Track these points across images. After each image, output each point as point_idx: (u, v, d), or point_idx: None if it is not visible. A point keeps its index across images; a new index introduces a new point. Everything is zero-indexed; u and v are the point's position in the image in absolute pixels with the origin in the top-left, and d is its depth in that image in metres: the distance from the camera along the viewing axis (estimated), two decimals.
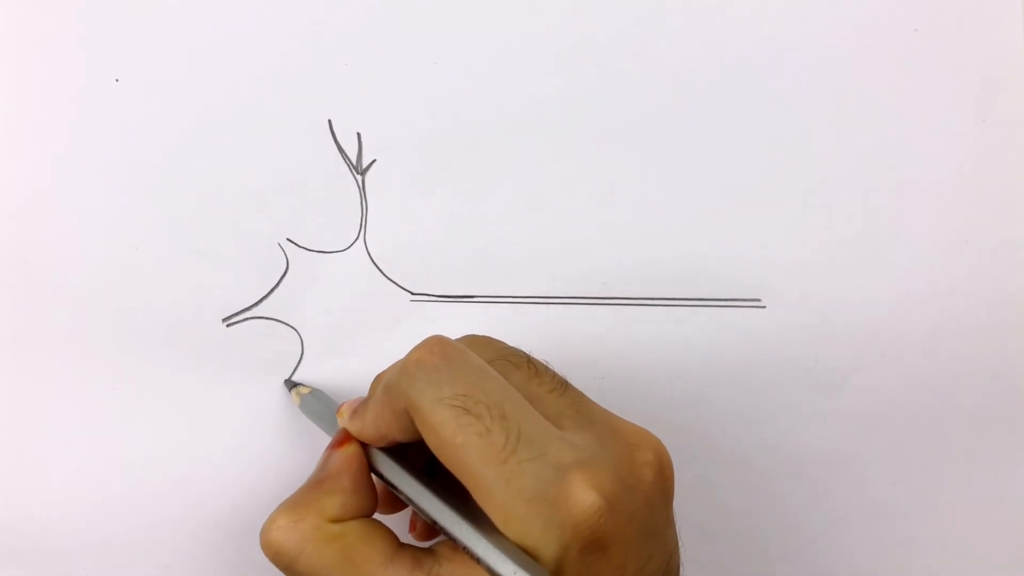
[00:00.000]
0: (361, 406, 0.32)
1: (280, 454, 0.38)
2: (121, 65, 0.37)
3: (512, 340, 0.39)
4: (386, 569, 0.29)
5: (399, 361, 0.30)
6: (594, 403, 0.31)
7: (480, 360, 0.29)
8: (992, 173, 0.41)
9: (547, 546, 0.26)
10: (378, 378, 0.35)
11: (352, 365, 0.39)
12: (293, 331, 0.38)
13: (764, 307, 0.41)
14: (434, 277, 0.39)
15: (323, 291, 0.39)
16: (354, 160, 0.39)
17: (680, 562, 0.30)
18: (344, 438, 0.32)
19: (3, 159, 0.37)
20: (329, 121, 0.38)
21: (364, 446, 0.32)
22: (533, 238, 0.40)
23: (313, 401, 0.36)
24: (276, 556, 0.29)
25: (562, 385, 0.31)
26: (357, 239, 0.39)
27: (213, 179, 0.38)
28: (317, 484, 0.31)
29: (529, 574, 0.26)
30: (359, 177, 0.39)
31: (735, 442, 0.41)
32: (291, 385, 0.38)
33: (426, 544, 0.32)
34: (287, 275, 0.38)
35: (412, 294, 0.39)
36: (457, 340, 0.32)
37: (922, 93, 0.41)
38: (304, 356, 0.38)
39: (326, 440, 0.36)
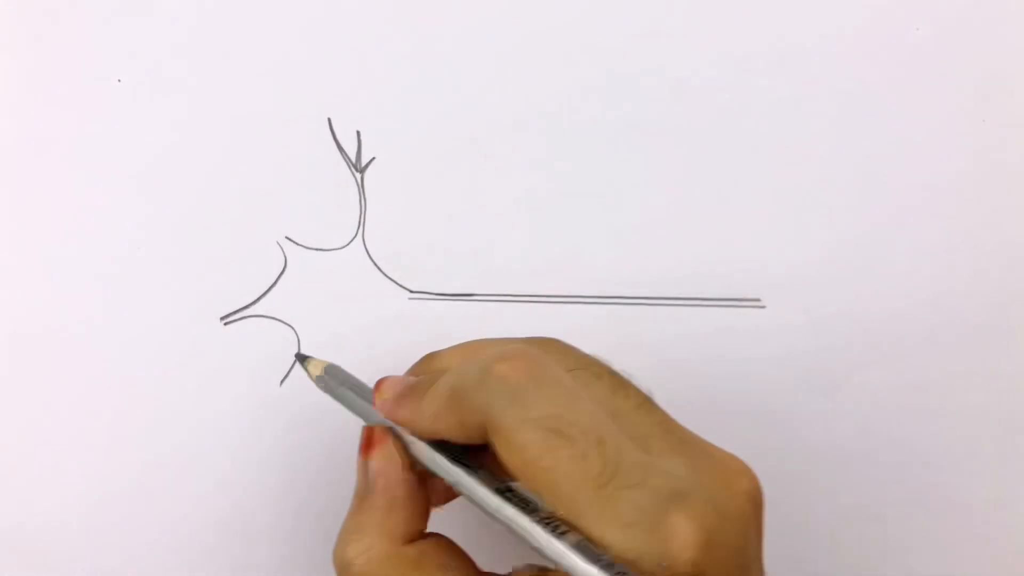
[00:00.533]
0: (411, 393, 0.29)
1: (279, 452, 0.38)
2: (123, 66, 0.38)
3: None
4: None
5: (472, 365, 0.28)
6: (677, 422, 0.29)
7: (569, 378, 0.27)
8: (992, 173, 0.41)
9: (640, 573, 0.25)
10: (428, 359, 0.33)
11: (350, 364, 0.39)
12: (291, 329, 0.38)
13: (764, 307, 0.41)
14: (432, 275, 0.39)
15: (321, 289, 0.39)
16: (353, 158, 0.39)
17: None
18: (374, 439, 0.30)
19: (4, 159, 0.37)
20: (329, 119, 0.39)
21: (402, 439, 0.30)
22: (533, 238, 0.40)
23: (332, 378, 0.34)
24: None
25: (648, 402, 0.28)
26: (355, 237, 0.39)
27: (213, 177, 0.38)
28: (368, 501, 0.29)
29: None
30: (358, 175, 0.39)
31: (735, 442, 0.41)
32: (303, 359, 0.35)
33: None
34: (285, 273, 0.38)
35: (410, 292, 0.39)
36: (530, 342, 0.30)
37: (922, 93, 0.41)
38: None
39: (328, 437, 0.36)
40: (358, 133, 0.39)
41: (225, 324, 0.38)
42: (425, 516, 0.29)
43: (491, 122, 0.40)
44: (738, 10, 0.41)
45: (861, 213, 0.41)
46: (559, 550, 0.25)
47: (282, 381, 0.38)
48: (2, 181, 0.37)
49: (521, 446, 0.25)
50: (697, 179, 0.40)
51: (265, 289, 0.38)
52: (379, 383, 0.31)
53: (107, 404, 0.38)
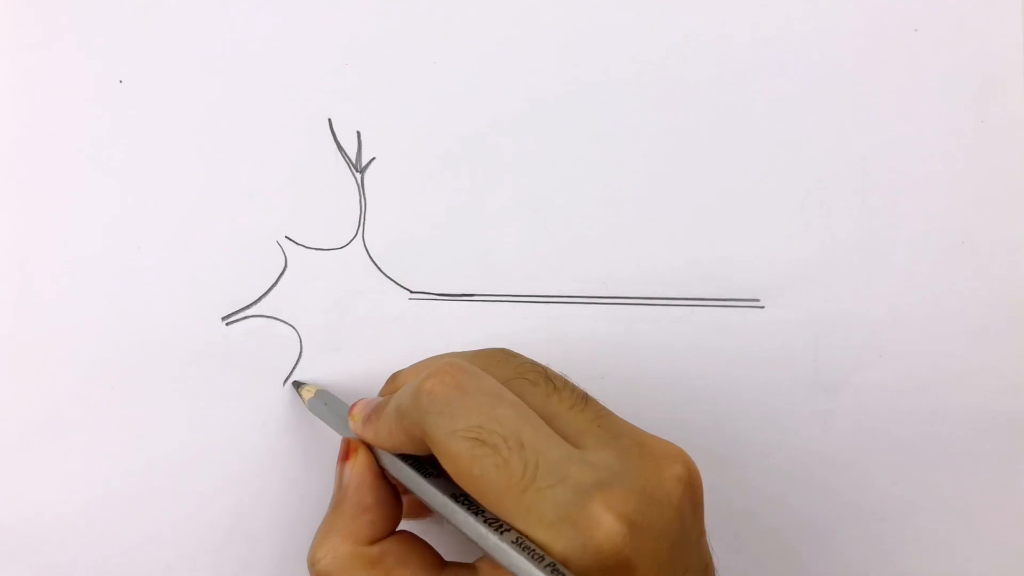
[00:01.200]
0: (374, 413, 0.32)
1: (280, 452, 0.38)
2: (124, 67, 0.38)
3: (511, 339, 0.39)
4: None
5: (409, 386, 0.30)
6: (616, 416, 0.30)
7: (495, 384, 0.29)
8: (991, 173, 0.41)
9: (570, 567, 0.26)
10: (393, 379, 0.35)
11: (351, 363, 0.39)
12: (292, 329, 0.39)
13: (763, 307, 0.41)
14: (433, 275, 0.39)
15: (322, 289, 0.39)
16: (353, 158, 0.39)
17: (716, 572, 0.30)
18: (350, 448, 0.32)
19: (5, 159, 0.37)
20: (329, 120, 0.39)
21: (374, 450, 0.32)
22: (533, 238, 0.40)
23: (320, 401, 0.37)
24: None
25: (582, 400, 0.30)
26: (356, 237, 0.39)
27: (213, 178, 0.38)
28: (339, 507, 0.31)
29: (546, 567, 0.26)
30: (358, 175, 0.39)
31: (734, 442, 0.41)
32: (297, 385, 0.38)
33: (441, 549, 0.32)
34: (286, 273, 0.39)
35: (411, 292, 0.39)
36: (474, 354, 0.32)
37: (922, 93, 0.41)
38: (303, 354, 0.39)
39: (329, 436, 0.36)
40: (358, 133, 0.39)
41: (227, 324, 0.38)
42: (393, 520, 0.31)
43: (491, 122, 0.40)
44: (738, 10, 0.41)
45: (861, 213, 0.41)
46: (499, 546, 0.27)
47: (284, 381, 0.38)
48: (3, 181, 0.37)
49: (452, 457, 0.27)
50: (697, 179, 0.40)
51: (266, 289, 0.38)
52: (352, 407, 0.33)
53: (108, 404, 0.38)
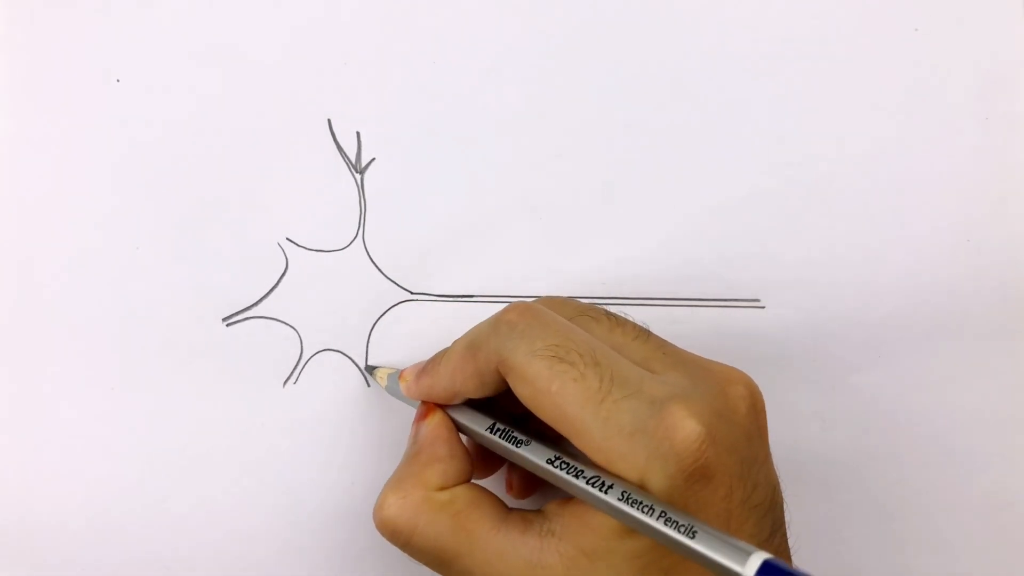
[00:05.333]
0: (429, 365, 0.33)
1: (280, 453, 0.38)
2: (122, 65, 0.38)
3: None
4: (498, 533, 0.30)
5: (483, 323, 0.31)
6: (678, 347, 0.32)
7: (564, 320, 0.30)
8: (993, 172, 0.41)
9: (654, 477, 0.27)
10: (457, 344, 0.35)
11: (351, 364, 0.39)
12: (292, 330, 0.39)
13: (764, 307, 0.41)
14: (433, 276, 0.39)
15: (322, 290, 0.39)
16: (353, 159, 0.39)
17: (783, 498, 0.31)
18: (427, 410, 0.33)
19: (3, 159, 0.37)
20: (328, 120, 0.39)
21: (447, 413, 0.33)
22: (533, 238, 0.40)
23: (396, 381, 0.37)
24: (393, 535, 0.31)
25: (644, 333, 0.32)
26: (356, 238, 0.39)
27: (213, 178, 0.38)
28: (413, 458, 0.32)
29: (641, 498, 0.26)
30: (358, 176, 0.39)
31: None
32: (371, 369, 0.38)
33: (524, 502, 0.33)
34: (286, 274, 0.39)
35: (411, 293, 0.39)
36: (535, 300, 0.33)
37: (923, 92, 0.41)
38: (303, 355, 0.39)
39: (328, 438, 0.36)
40: (358, 134, 0.39)
41: (227, 325, 0.38)
42: (465, 474, 0.32)
43: (491, 122, 0.40)
44: (738, 9, 0.41)
45: (861, 213, 0.41)
46: (607, 504, 0.27)
47: (285, 382, 0.38)
48: (2, 181, 0.37)
49: (531, 377, 0.28)
50: (697, 179, 0.40)
51: (267, 290, 0.38)
52: (401, 373, 0.35)
53: (108, 405, 0.38)
